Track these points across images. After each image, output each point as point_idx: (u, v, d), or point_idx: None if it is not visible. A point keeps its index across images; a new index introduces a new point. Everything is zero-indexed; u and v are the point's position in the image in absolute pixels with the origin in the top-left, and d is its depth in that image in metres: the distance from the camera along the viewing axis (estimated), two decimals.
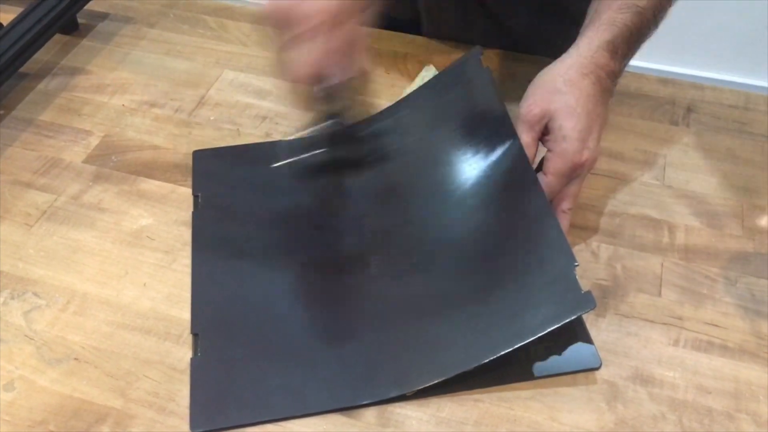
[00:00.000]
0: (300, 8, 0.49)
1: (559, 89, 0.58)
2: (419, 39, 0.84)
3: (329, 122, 0.55)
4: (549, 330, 0.51)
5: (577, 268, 0.52)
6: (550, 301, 0.52)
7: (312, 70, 0.50)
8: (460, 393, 0.54)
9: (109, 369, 0.55)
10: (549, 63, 0.63)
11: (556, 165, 0.57)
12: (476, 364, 0.52)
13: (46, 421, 0.53)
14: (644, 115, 0.76)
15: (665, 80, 0.80)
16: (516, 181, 0.58)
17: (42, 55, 0.82)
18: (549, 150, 0.59)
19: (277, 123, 0.74)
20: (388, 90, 0.77)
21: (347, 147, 0.66)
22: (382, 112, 0.70)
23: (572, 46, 0.62)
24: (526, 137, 0.59)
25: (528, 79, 0.62)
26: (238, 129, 0.75)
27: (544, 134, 0.59)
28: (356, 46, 0.52)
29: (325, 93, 0.52)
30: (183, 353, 0.56)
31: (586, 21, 0.64)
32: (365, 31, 0.52)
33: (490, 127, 0.62)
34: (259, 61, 0.82)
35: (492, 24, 0.83)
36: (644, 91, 0.78)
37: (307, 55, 0.50)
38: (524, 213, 0.57)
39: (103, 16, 0.88)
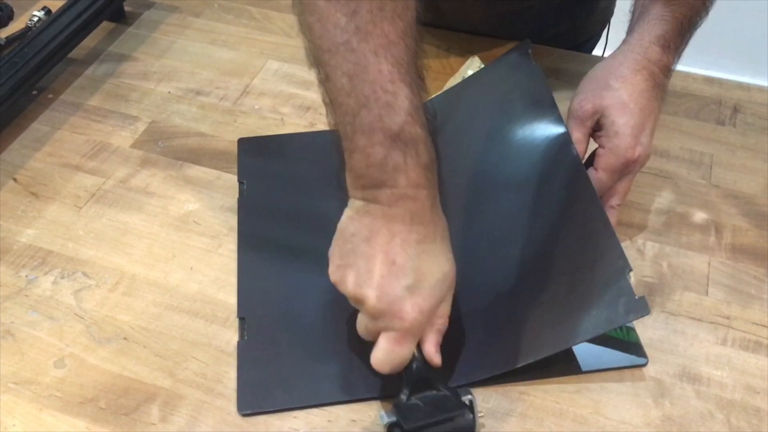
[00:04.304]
0: (399, 310, 0.46)
1: (611, 85, 0.58)
2: (461, 34, 0.84)
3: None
4: (600, 333, 0.51)
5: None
6: (602, 304, 0.51)
7: (392, 370, 0.49)
8: (505, 385, 0.54)
9: (158, 349, 0.56)
10: (594, 60, 0.62)
11: (607, 161, 0.57)
12: (524, 363, 0.52)
13: (97, 398, 0.53)
14: (690, 114, 0.75)
15: (711, 80, 0.79)
16: (566, 177, 0.58)
17: (89, 42, 0.83)
18: (600, 146, 0.58)
19: (321, 113, 0.75)
20: (430, 84, 0.76)
21: None
22: (427, 102, 0.70)
23: (623, 42, 0.62)
24: (577, 133, 0.59)
25: (572, 76, 0.62)
26: (282, 118, 0.75)
27: (595, 130, 0.59)
28: (442, 335, 0.50)
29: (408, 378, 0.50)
30: (230, 336, 0.57)
31: (634, 16, 0.64)
32: (448, 316, 0.50)
33: (540, 122, 0.62)
34: (303, 52, 0.82)
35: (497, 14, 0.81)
36: (690, 90, 0.78)
37: (392, 353, 0.47)
38: (575, 211, 0.56)
39: (149, 5, 0.89)
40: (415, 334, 0.48)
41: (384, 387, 0.54)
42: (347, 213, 0.49)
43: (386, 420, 0.49)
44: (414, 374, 0.49)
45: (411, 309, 0.46)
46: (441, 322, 0.49)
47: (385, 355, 0.47)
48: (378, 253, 0.46)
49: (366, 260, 0.46)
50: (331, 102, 0.47)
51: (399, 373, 0.50)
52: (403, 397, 0.49)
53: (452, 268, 0.49)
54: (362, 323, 0.49)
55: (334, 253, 0.49)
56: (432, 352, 0.49)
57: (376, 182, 0.46)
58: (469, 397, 0.50)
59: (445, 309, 0.49)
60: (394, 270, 0.46)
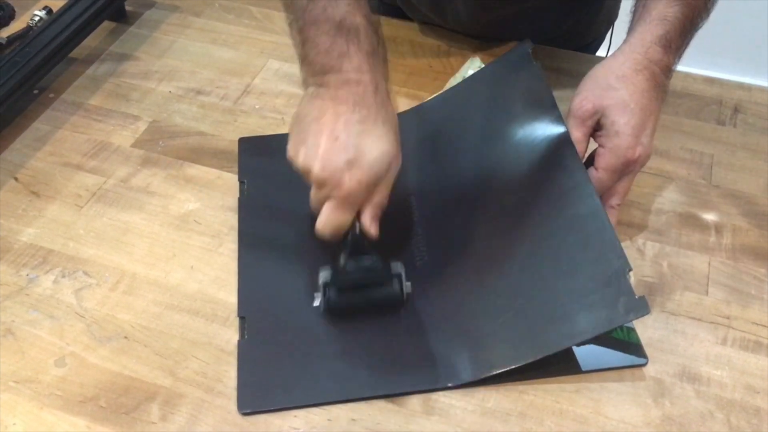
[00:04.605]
0: (339, 179, 0.51)
1: (612, 85, 0.58)
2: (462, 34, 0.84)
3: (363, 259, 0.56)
4: (600, 333, 0.51)
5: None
6: (602, 304, 0.51)
7: (331, 234, 0.54)
8: (505, 384, 0.54)
9: (158, 348, 0.56)
10: (596, 60, 0.62)
11: (608, 161, 0.57)
12: (524, 362, 0.52)
13: (97, 397, 0.53)
14: (690, 115, 0.75)
15: (711, 80, 0.79)
16: (566, 177, 0.58)
17: (91, 41, 0.83)
18: (601, 146, 0.58)
19: None
20: (431, 83, 0.78)
21: None
22: (428, 102, 0.71)
23: (624, 42, 0.62)
24: (577, 133, 0.59)
25: (573, 76, 0.62)
26: (282, 118, 0.75)
27: (595, 130, 0.59)
28: (380, 210, 0.55)
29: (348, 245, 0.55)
30: (230, 335, 0.57)
31: (635, 16, 0.64)
32: (387, 194, 0.55)
33: (540, 122, 0.62)
34: None
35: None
36: (690, 91, 0.78)
37: (331, 218, 0.53)
38: (575, 211, 0.56)
39: (150, 5, 0.89)
40: (352, 203, 0.53)
41: (383, 386, 0.54)
42: (303, 98, 0.55)
43: (321, 279, 0.56)
44: (351, 242, 0.54)
45: (349, 179, 0.51)
46: (379, 197, 0.54)
47: (326, 219, 0.53)
48: (324, 130, 0.52)
49: (314, 136, 0.52)
50: (289, 8, 0.55)
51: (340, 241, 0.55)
52: (341, 261, 0.55)
53: (392, 150, 0.53)
54: (312, 195, 0.55)
55: (291, 132, 0.55)
56: (368, 223, 0.54)
57: (324, 68, 0.53)
58: (399, 271, 0.56)
59: (385, 187, 0.54)
60: (336, 145, 0.51)
